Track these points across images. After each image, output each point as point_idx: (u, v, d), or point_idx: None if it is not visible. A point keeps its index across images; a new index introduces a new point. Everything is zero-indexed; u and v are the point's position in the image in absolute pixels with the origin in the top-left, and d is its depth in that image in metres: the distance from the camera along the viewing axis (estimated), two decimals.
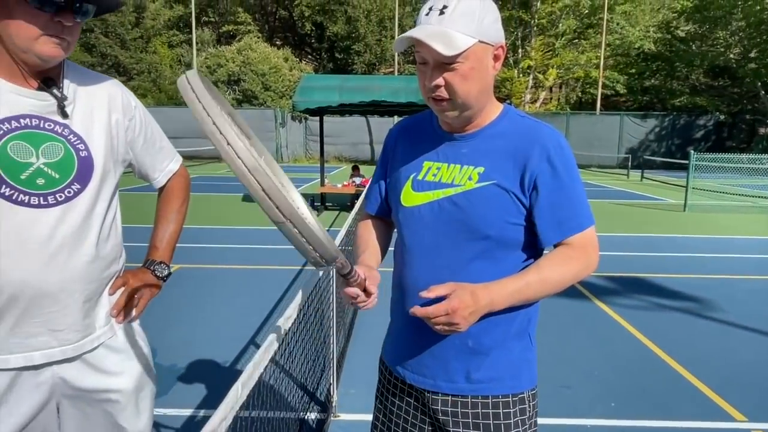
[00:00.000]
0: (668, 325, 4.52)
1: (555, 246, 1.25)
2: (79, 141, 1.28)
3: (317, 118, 11.73)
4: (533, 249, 1.28)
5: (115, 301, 1.39)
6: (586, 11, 31.55)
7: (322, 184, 11.13)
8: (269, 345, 1.26)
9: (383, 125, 26.23)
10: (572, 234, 1.23)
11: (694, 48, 29.46)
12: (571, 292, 5.34)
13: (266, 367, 1.25)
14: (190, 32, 31.77)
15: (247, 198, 12.59)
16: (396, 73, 31.30)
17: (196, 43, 31.17)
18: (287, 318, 1.59)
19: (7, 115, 1.19)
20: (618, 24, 31.14)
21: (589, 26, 32.44)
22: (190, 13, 31.44)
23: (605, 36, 29.40)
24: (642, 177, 20.24)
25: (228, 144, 0.88)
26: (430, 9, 1.17)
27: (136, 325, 1.48)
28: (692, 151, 12.54)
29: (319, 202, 10.87)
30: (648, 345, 4.09)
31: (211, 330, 4.22)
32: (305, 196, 13.11)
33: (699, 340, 4.21)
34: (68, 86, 1.29)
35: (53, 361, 1.29)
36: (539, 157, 1.21)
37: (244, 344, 3.95)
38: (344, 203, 11.52)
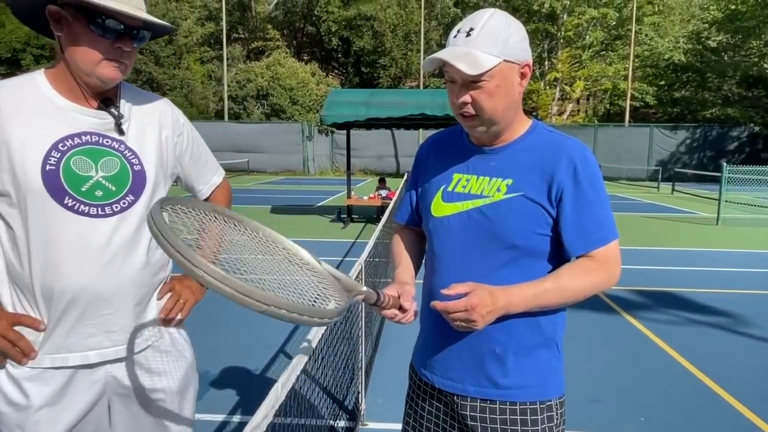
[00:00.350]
0: (700, 341, 4.44)
1: (578, 257, 1.29)
2: (133, 156, 1.38)
3: (344, 131, 11.90)
4: (559, 259, 1.32)
5: (162, 305, 1.48)
6: (614, 23, 31.27)
7: (349, 196, 11.26)
8: (305, 348, 1.33)
9: (409, 138, 26.35)
10: (596, 247, 1.27)
11: (726, 58, 28.89)
12: (600, 306, 5.29)
13: (300, 372, 1.32)
14: (221, 49, 32.61)
15: (276, 210, 12.81)
16: (421, 86, 31.48)
17: (227, 59, 31.96)
18: (317, 329, 1.66)
19: (71, 132, 1.30)
20: (647, 35, 30.77)
21: (616, 38, 32.13)
22: (221, 30, 32.31)
23: (633, 47, 29.06)
24: (673, 190, 19.84)
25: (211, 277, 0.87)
26: (458, 31, 1.25)
27: (181, 329, 1.57)
28: (725, 164, 12.28)
29: (345, 214, 11.00)
30: (679, 360, 4.02)
31: (241, 338, 4.32)
32: (332, 208, 13.18)
33: (733, 356, 4.12)
34: (124, 105, 1.40)
35: (107, 360, 1.38)
36: (566, 170, 1.26)
37: (273, 353, 4.04)
38: (370, 215, 11.62)
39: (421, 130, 23.76)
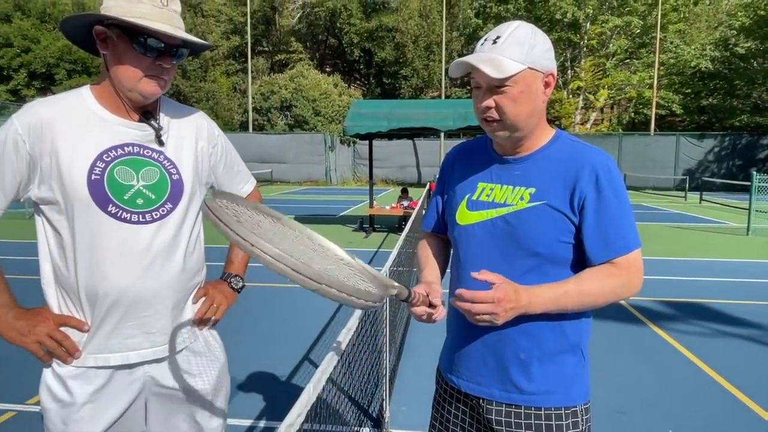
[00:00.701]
0: (730, 353, 4.35)
1: (600, 264, 1.31)
2: (171, 166, 1.45)
3: (366, 141, 12.01)
4: (581, 266, 1.34)
5: (197, 308, 1.54)
6: (638, 31, 30.92)
7: (371, 206, 11.33)
8: (335, 351, 1.37)
9: (430, 148, 26.38)
10: (618, 255, 1.29)
11: (755, 65, 28.26)
12: (626, 317, 5.22)
13: (329, 376, 1.36)
14: (246, 61, 33.25)
15: (299, 219, 12.88)
16: (443, 96, 31.55)
17: (251, 72, 32.56)
18: (348, 329, 1.70)
19: (114, 144, 1.37)
20: (672, 43, 30.31)
21: (641, 46, 31.74)
22: (246, 43, 32.96)
23: (658, 55, 28.67)
24: (701, 199, 19.42)
25: (265, 253, 0.94)
26: (485, 40, 1.31)
27: (214, 332, 1.63)
28: (755, 172, 11.99)
29: (367, 224, 11.06)
30: (709, 372, 3.95)
31: (268, 346, 4.39)
32: (354, 217, 13.22)
33: (765, 369, 4.02)
34: (163, 118, 1.47)
35: (145, 360, 1.44)
36: (588, 178, 1.29)
37: (298, 361, 4.09)
38: (392, 225, 11.66)
39: (443, 139, 23.87)
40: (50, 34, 30.92)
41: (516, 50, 1.25)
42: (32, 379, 1.40)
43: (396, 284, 1.20)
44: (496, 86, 1.27)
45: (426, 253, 1.56)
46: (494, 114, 1.29)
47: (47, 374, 1.39)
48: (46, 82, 31.41)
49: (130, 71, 1.34)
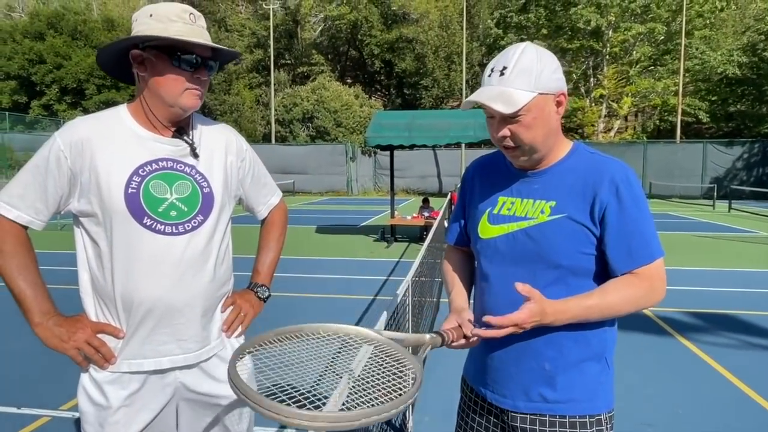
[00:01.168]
0: (760, 365, 4.24)
1: (622, 274, 1.32)
2: (203, 179, 1.51)
3: (387, 152, 12.09)
4: (604, 277, 1.35)
5: (225, 317, 1.60)
6: (662, 37, 30.52)
7: (392, 216, 11.37)
8: (360, 359, 1.40)
9: (451, 157, 26.36)
10: (641, 264, 1.30)
11: None
12: (652, 328, 5.13)
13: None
14: (269, 74, 33.81)
15: (321, 229, 13.06)
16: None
17: (274, 84, 33.08)
18: None
19: (149, 159, 1.44)
20: (697, 49, 29.82)
21: (665, 52, 31.30)
22: (269, 56, 33.53)
23: (683, 62, 28.23)
24: (730, 208, 18.98)
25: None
26: (492, 70, 1.32)
27: (242, 339, 1.68)
28: None
29: (389, 233, 11.10)
30: (739, 386, 3.85)
31: None
32: (376, 227, 13.20)
33: None
34: (195, 133, 1.54)
35: (176, 366, 1.50)
36: (608, 189, 1.30)
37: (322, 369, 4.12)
38: (414, 235, 11.67)
39: (464, 148, 23.82)
40: (81, 51, 31.91)
41: (524, 80, 1.27)
42: (65, 387, 1.47)
43: (428, 338, 1.25)
44: (510, 116, 1.29)
45: (452, 273, 1.59)
46: (510, 143, 1.32)
47: (85, 379, 1.45)
48: (77, 97, 32.40)
49: (171, 87, 1.41)
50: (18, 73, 32.29)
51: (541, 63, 1.29)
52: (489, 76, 1.32)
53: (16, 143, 23.84)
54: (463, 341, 1.33)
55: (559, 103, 1.34)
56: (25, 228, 1.42)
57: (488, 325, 1.26)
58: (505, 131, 1.31)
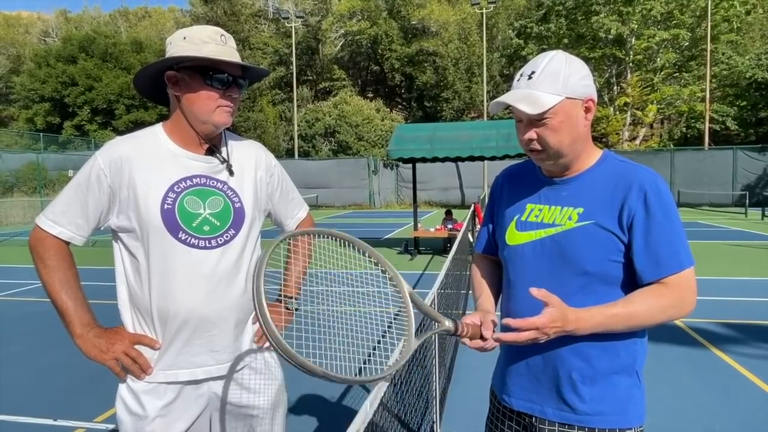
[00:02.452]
0: None
1: (650, 283, 1.30)
2: (234, 195, 1.56)
3: (409, 165, 12.15)
4: (632, 285, 1.34)
5: (257, 329, 1.63)
6: (687, 44, 30.06)
7: (416, 228, 11.37)
8: (391, 366, 1.41)
9: (473, 169, 26.22)
10: (670, 273, 1.28)
11: None
12: (684, 340, 5.01)
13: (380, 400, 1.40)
14: (291, 91, 34.34)
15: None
16: (485, 117, 31.47)
17: (296, 100, 33.58)
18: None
19: (184, 176, 1.50)
20: (724, 54, 29.27)
21: (690, 58, 30.82)
22: (292, 73, 34.10)
23: (710, 67, 27.71)
24: (763, 215, 18.44)
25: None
26: (521, 75, 1.35)
27: (272, 352, 1.71)
28: None
29: (412, 246, 11.10)
30: None
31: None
32: (399, 240, 13.19)
33: None
34: (227, 150, 1.59)
35: (210, 377, 1.53)
36: (636, 196, 1.30)
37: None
38: (437, 247, 11.64)
39: (486, 161, 23.72)
40: (111, 73, 32.99)
41: (551, 83, 1.29)
42: (100, 400, 1.52)
43: (444, 324, 1.26)
44: (536, 119, 1.31)
45: (480, 279, 1.60)
46: (537, 145, 1.34)
47: (122, 389, 1.50)
48: (107, 117, 33.42)
49: (204, 105, 1.47)
50: (52, 95, 33.52)
51: (570, 68, 1.31)
52: (518, 80, 1.35)
53: (49, 163, 24.64)
54: (479, 342, 1.33)
55: (587, 109, 1.35)
56: (68, 243, 1.48)
57: (509, 330, 1.26)
58: (532, 134, 1.33)
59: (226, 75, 1.47)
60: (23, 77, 36.51)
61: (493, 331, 1.34)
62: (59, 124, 34.10)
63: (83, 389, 3.99)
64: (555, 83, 1.29)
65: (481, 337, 1.33)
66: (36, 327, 5.99)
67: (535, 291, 1.22)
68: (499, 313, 1.52)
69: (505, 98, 1.32)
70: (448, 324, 1.30)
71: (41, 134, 28.39)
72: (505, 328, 1.49)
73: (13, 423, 3.57)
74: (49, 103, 34.08)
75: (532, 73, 1.32)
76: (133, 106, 33.14)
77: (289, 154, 33.72)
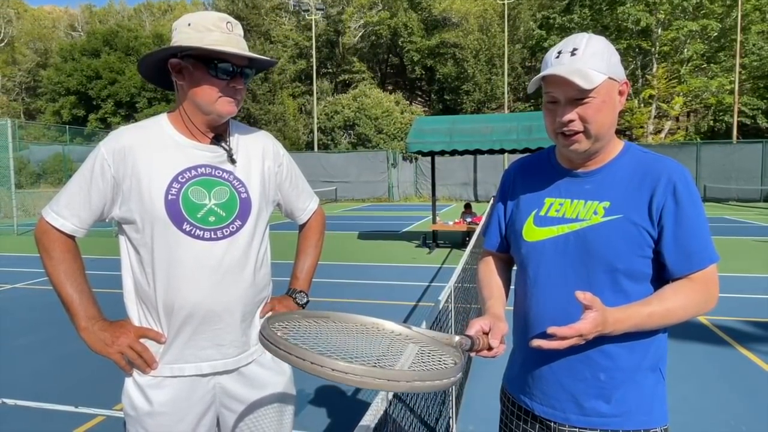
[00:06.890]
0: None
1: (679, 278, 1.25)
2: (240, 185, 1.52)
3: (428, 158, 12.04)
4: (659, 281, 1.27)
5: None
6: (715, 34, 29.20)
7: (434, 222, 11.29)
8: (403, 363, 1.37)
9: (492, 164, 25.96)
10: (700, 268, 1.23)
11: None
12: (709, 338, 4.86)
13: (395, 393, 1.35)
14: (311, 83, 34.39)
15: (363, 236, 13.11)
16: (506, 109, 31.11)
17: (316, 93, 33.61)
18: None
19: (189, 166, 1.46)
20: (754, 44, 28.36)
21: (719, 49, 29.93)
22: (312, 66, 34.13)
23: (739, 59, 26.88)
24: None
25: (334, 370, 0.88)
26: (560, 52, 1.26)
27: None
28: None
29: (430, 239, 11.02)
30: None
31: None
32: (417, 233, 13.16)
33: None
34: (233, 140, 1.55)
35: (216, 371, 1.50)
36: (665, 188, 1.24)
37: None
38: (456, 240, 11.55)
39: (505, 155, 23.45)
40: (133, 66, 33.46)
41: (597, 60, 1.23)
42: (119, 388, 1.50)
43: (456, 339, 1.15)
44: (578, 98, 1.23)
45: (490, 279, 1.50)
46: (577, 126, 1.25)
47: (128, 383, 1.48)
48: (130, 110, 33.94)
49: (207, 94, 1.43)
50: (77, 88, 34.16)
51: (609, 50, 1.27)
52: (557, 57, 1.26)
53: (74, 155, 25.15)
54: (485, 353, 1.23)
55: (621, 93, 1.29)
56: (72, 236, 1.46)
57: (545, 335, 1.18)
58: (573, 114, 1.25)
59: (230, 65, 1.43)
60: (50, 71, 37.29)
61: (502, 340, 1.24)
62: (84, 117, 34.78)
63: (104, 377, 4.03)
64: (600, 61, 1.23)
65: (489, 347, 1.23)
66: (60, 316, 6.07)
67: (581, 295, 1.13)
68: (510, 308, 1.45)
69: (557, 70, 1.22)
70: (461, 340, 1.18)
71: (67, 127, 28.97)
72: (520, 331, 1.42)
73: (36, 409, 3.64)
74: (74, 97, 34.76)
75: (575, 49, 1.24)
76: (155, 99, 33.60)
77: (309, 146, 33.82)
